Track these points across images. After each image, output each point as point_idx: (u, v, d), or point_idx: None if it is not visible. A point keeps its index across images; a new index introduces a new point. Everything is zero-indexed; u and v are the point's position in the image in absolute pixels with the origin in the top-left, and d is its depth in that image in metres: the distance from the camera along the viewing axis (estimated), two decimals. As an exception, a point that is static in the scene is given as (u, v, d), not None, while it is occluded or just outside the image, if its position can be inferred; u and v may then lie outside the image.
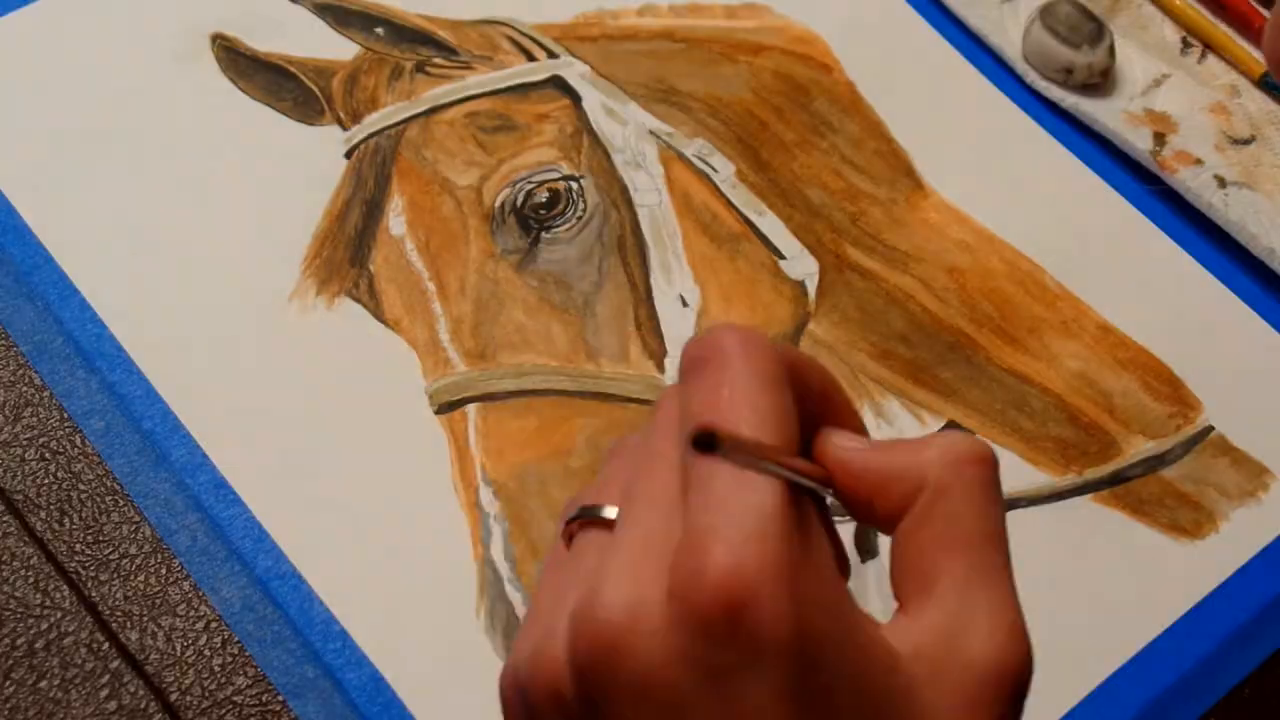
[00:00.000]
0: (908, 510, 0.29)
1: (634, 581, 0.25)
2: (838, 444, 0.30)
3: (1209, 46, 0.52)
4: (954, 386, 0.44)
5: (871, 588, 0.41)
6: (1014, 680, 0.29)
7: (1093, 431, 0.44)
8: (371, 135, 0.47)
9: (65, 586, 0.40)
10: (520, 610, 0.40)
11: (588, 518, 0.27)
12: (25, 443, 0.43)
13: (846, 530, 0.41)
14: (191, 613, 0.40)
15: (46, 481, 0.42)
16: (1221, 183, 0.47)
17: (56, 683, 0.39)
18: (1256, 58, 0.51)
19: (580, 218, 0.46)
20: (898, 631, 0.29)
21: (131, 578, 0.40)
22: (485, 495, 0.41)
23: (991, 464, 0.30)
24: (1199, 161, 0.48)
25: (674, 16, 0.51)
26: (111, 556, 0.41)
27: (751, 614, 0.25)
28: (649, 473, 0.27)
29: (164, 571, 0.41)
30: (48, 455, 0.42)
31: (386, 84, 0.48)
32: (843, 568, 0.29)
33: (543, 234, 0.45)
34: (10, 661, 0.39)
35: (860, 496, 0.30)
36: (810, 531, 0.27)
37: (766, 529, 0.25)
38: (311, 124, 0.47)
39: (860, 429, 0.30)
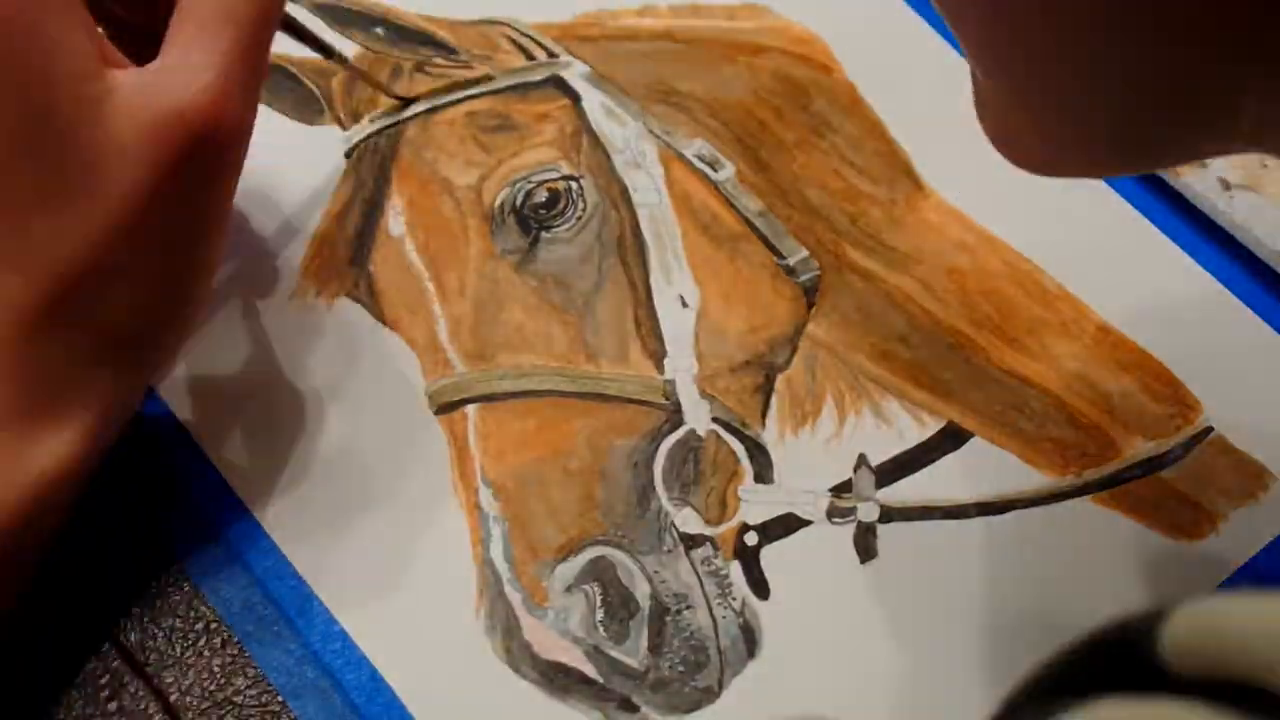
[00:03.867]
0: None
1: None
2: None
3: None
4: (953, 387, 0.44)
5: (871, 590, 0.41)
6: (188, 125, 0.34)
7: (1092, 432, 0.44)
8: (371, 135, 0.47)
9: (65, 587, 0.40)
10: (520, 610, 0.40)
11: None
12: (25, 443, 0.43)
13: (846, 531, 0.42)
14: (191, 613, 0.40)
15: (46, 482, 0.42)
16: (1226, 186, 0.47)
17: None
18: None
19: (580, 218, 0.46)
20: (130, 73, 0.34)
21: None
22: (485, 496, 0.41)
23: None
24: (1203, 164, 0.48)
25: (674, 17, 0.51)
26: (111, 557, 0.41)
27: None
28: None
29: (164, 572, 0.41)
30: (47, 455, 0.42)
31: (386, 84, 0.48)
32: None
33: (542, 234, 0.45)
34: (10, 662, 0.39)
35: None
36: None
37: None
38: (311, 124, 0.47)
39: None
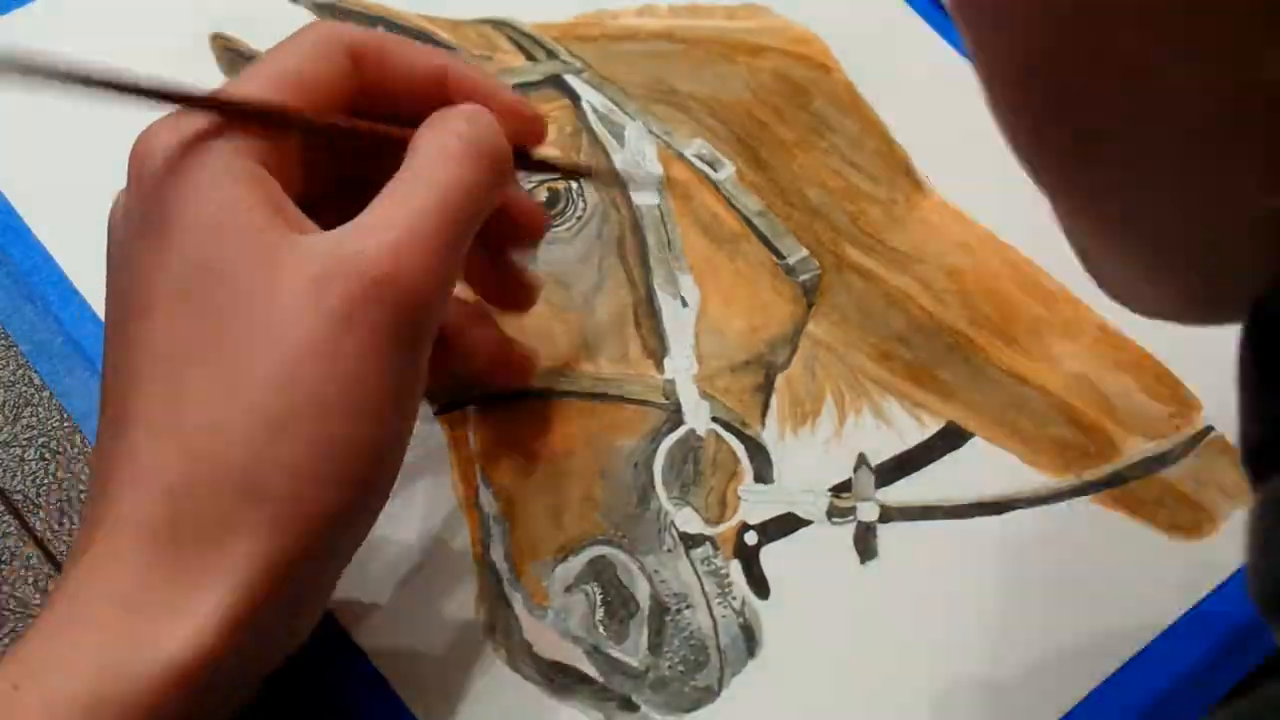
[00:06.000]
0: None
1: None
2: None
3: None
4: (953, 388, 0.44)
5: (871, 590, 0.41)
6: (361, 278, 0.31)
7: (1092, 432, 0.44)
8: (371, 135, 0.47)
9: (65, 587, 0.40)
10: (520, 610, 0.40)
11: None
12: (25, 443, 0.43)
13: (846, 531, 0.42)
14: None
15: (46, 481, 0.42)
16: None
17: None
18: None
19: (580, 218, 0.46)
20: (316, 234, 0.32)
21: (131, 578, 0.40)
22: (485, 496, 0.41)
23: (483, 155, 0.34)
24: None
25: (673, 17, 0.51)
26: (111, 557, 0.41)
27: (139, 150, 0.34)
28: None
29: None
30: (48, 455, 0.42)
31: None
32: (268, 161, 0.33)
33: (542, 234, 0.45)
34: (10, 661, 0.39)
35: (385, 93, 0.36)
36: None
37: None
38: (311, 124, 0.47)
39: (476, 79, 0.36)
